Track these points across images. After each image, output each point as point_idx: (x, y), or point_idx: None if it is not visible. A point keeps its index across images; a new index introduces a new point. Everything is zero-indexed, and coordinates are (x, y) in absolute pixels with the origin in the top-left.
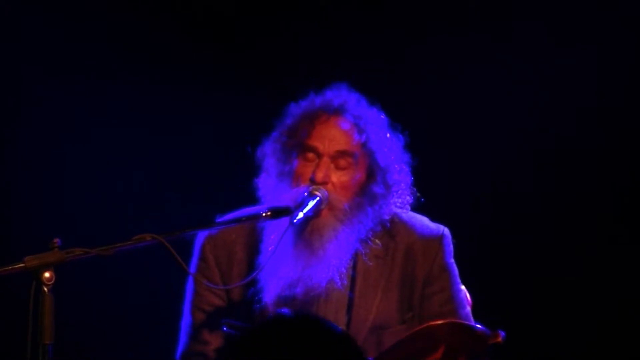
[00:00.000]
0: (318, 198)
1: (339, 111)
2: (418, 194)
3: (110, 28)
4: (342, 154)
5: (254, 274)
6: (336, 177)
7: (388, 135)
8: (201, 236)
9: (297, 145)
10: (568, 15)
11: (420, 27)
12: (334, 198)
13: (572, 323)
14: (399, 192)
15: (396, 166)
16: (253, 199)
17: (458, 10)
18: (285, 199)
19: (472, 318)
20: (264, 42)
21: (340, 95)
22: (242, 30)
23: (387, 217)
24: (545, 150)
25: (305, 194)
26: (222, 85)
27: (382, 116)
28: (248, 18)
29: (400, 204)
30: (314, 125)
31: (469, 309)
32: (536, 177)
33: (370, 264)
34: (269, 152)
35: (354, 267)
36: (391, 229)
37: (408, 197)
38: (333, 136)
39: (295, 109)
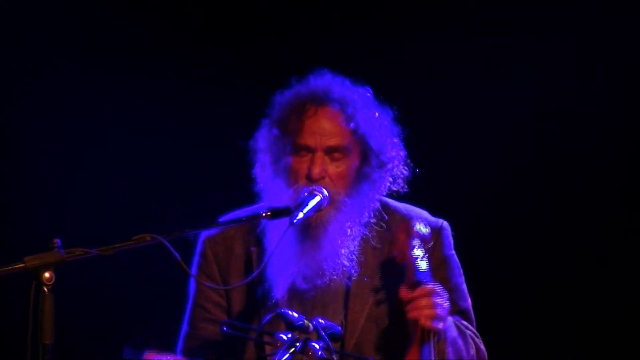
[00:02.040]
0: (319, 197)
1: (325, 101)
2: (412, 165)
3: (110, 28)
4: (335, 148)
5: (255, 272)
6: (332, 169)
7: (377, 114)
8: (202, 234)
9: (290, 143)
10: (569, 16)
11: (420, 26)
12: (333, 192)
13: (572, 323)
14: (394, 167)
15: (388, 142)
16: (253, 199)
17: (458, 10)
18: (285, 199)
19: (472, 313)
20: (262, 42)
21: (323, 81)
22: (241, 30)
23: (384, 193)
24: (545, 150)
25: (306, 193)
26: (222, 85)
27: (368, 94)
28: (245, 17)
29: (395, 178)
30: (303, 121)
31: (470, 303)
32: (535, 176)
33: (378, 246)
34: (262, 147)
35: (357, 254)
36: (388, 221)
37: (403, 170)
38: (323, 130)
39: (282, 101)
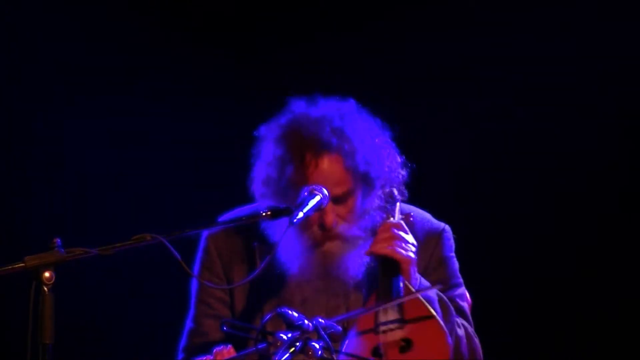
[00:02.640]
0: (319, 197)
1: (322, 149)
2: (412, 166)
3: (110, 28)
4: (341, 196)
5: (257, 270)
6: (340, 211)
7: (370, 136)
8: (206, 230)
9: (295, 195)
10: (568, 16)
11: (420, 26)
12: (344, 228)
13: (572, 323)
14: (394, 179)
15: (385, 158)
16: (253, 199)
17: (458, 10)
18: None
19: (469, 315)
20: (262, 42)
21: (314, 119)
22: (241, 32)
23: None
24: (545, 150)
25: (306, 193)
26: (222, 86)
27: (354, 111)
28: (247, 20)
29: (395, 184)
30: (305, 175)
31: (468, 304)
32: (536, 176)
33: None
34: (264, 192)
35: None
36: None
37: (402, 174)
38: (327, 180)
39: (276, 145)
